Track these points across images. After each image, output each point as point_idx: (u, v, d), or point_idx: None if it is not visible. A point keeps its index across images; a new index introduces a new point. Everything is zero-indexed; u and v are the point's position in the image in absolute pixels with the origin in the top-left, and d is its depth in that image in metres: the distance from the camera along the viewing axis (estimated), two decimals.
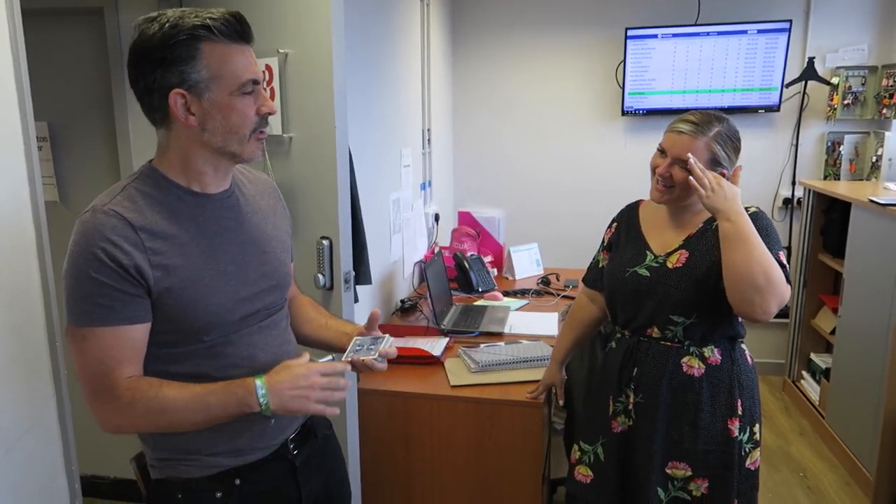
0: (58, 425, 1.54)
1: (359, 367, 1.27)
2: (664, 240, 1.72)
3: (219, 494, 1.22)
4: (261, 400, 1.10)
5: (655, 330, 1.68)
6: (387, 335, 1.32)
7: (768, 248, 1.55)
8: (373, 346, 1.28)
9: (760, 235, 1.55)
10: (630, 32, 3.86)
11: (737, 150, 1.66)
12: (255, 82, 1.15)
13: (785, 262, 1.57)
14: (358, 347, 1.29)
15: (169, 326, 1.15)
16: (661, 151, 1.67)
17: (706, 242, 1.64)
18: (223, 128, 1.13)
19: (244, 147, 1.16)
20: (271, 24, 1.89)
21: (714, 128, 1.61)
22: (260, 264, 1.26)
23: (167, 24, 1.07)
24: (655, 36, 3.85)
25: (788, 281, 1.54)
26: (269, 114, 1.18)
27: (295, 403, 1.12)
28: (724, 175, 1.64)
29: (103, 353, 1.09)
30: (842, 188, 3.35)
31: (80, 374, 1.11)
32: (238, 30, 1.12)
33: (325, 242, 1.90)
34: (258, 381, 1.11)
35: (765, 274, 1.49)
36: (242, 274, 1.22)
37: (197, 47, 1.08)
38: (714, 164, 1.62)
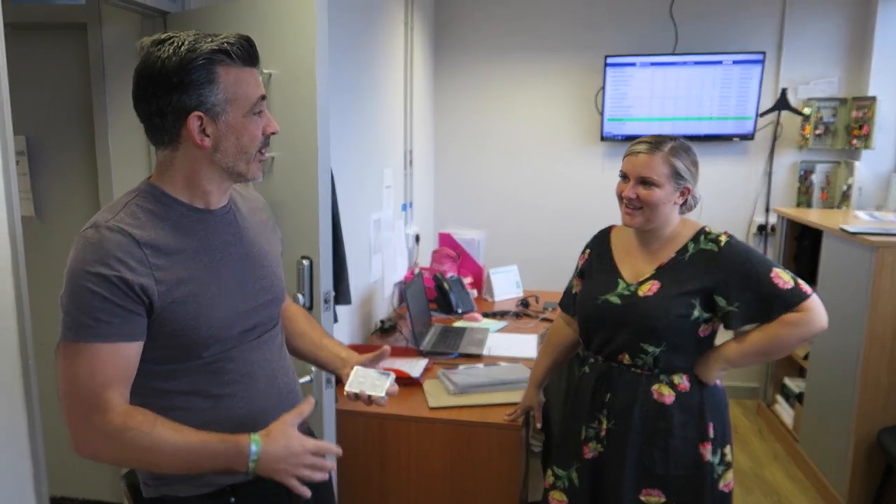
0: (28, 445, 1.51)
1: (362, 400, 1.34)
2: (636, 268, 1.73)
3: None
4: (250, 465, 1.11)
5: (626, 357, 1.69)
6: (391, 373, 1.38)
7: (757, 273, 1.57)
8: (378, 383, 1.35)
9: (745, 266, 1.58)
10: (609, 60, 3.94)
11: (695, 163, 1.68)
12: (263, 98, 1.18)
13: (784, 279, 1.57)
14: (362, 380, 1.35)
15: (169, 342, 1.14)
16: (624, 177, 1.70)
17: (678, 274, 1.66)
18: (235, 148, 1.15)
19: (249, 167, 1.19)
20: (257, 43, 1.90)
21: (668, 144, 1.65)
22: (258, 279, 1.27)
23: (183, 48, 1.08)
24: (634, 64, 3.93)
25: (803, 291, 1.58)
26: (273, 133, 1.21)
27: (278, 475, 1.13)
28: (688, 190, 1.68)
29: (96, 369, 1.07)
30: (814, 216, 3.43)
31: (66, 391, 1.08)
32: (251, 53, 1.15)
33: (306, 262, 1.90)
34: (253, 447, 1.11)
35: (797, 342, 1.61)
36: (242, 288, 1.23)
37: (214, 71, 1.10)
38: (677, 177, 1.64)
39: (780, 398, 3.77)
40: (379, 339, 2.90)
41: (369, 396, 1.33)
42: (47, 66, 2.49)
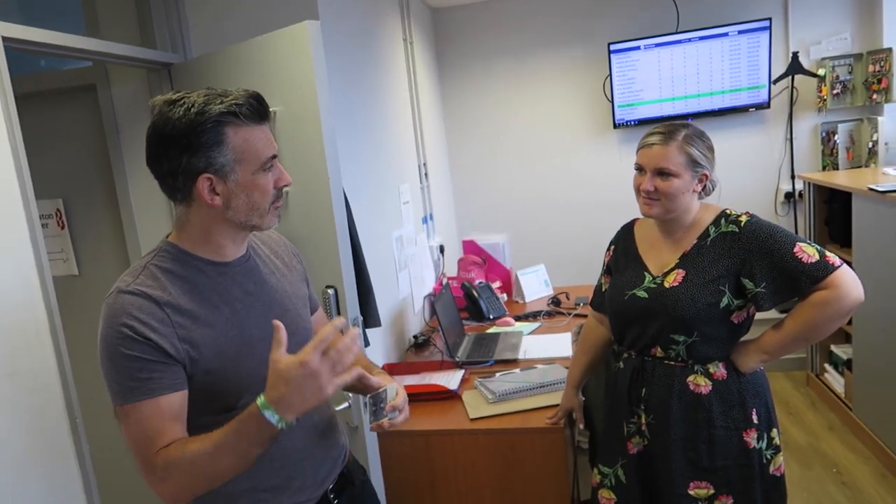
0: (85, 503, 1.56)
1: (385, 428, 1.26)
2: (661, 259, 1.72)
3: None
4: (275, 423, 1.04)
5: (659, 349, 1.68)
6: (389, 385, 1.29)
7: (780, 250, 1.54)
8: (383, 405, 1.24)
9: (766, 243, 1.56)
10: (613, 47, 3.91)
11: (710, 148, 1.67)
12: (274, 157, 1.19)
13: (809, 253, 1.53)
14: (373, 408, 1.26)
15: (202, 396, 1.17)
16: (640, 169, 1.69)
17: (702, 260, 1.64)
18: (246, 205, 1.17)
19: (264, 219, 1.21)
20: (258, 83, 1.93)
21: (680, 132, 1.64)
22: (283, 324, 1.28)
23: (193, 111, 1.10)
24: (638, 48, 3.90)
25: (830, 264, 1.52)
26: (286, 186, 1.22)
27: (310, 402, 1.05)
28: (706, 176, 1.66)
29: (146, 425, 1.10)
30: (841, 178, 3.35)
31: (132, 451, 1.12)
32: (259, 111, 1.17)
33: (331, 291, 1.92)
34: (266, 412, 1.03)
35: (833, 321, 1.55)
36: (267, 336, 1.23)
37: (223, 132, 1.12)
38: (693, 164, 1.63)
39: (828, 367, 3.68)
40: (414, 355, 2.92)
41: (380, 424, 1.24)
42: (69, 129, 2.54)
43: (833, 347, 3.60)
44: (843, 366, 3.45)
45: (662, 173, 1.63)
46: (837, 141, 3.81)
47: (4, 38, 1.54)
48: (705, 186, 1.68)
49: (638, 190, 1.69)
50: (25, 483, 1.40)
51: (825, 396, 3.66)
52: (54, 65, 2.70)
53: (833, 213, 3.53)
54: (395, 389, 1.29)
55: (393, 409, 1.25)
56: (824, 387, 3.66)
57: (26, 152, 1.53)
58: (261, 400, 1.05)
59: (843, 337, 3.58)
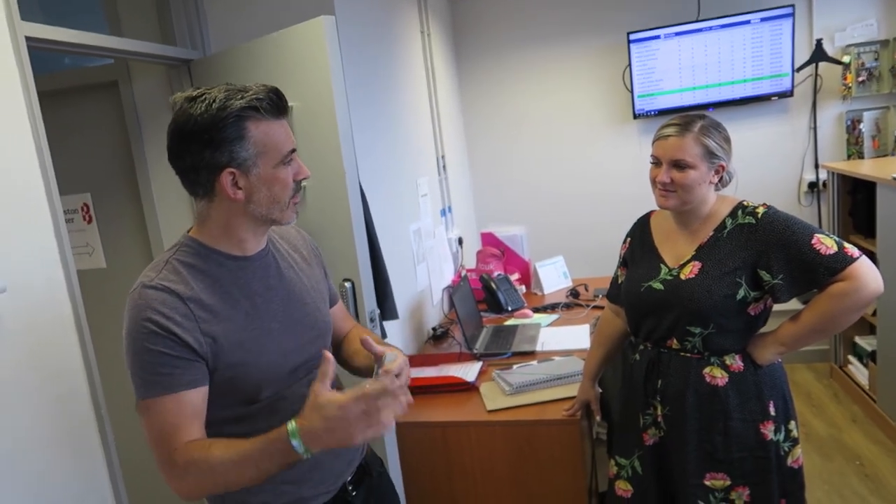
0: (111, 493, 1.60)
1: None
2: (677, 251, 1.71)
3: None
4: (300, 452, 1.05)
5: (675, 341, 1.68)
6: (387, 353, 1.20)
7: (797, 242, 1.52)
8: (379, 370, 1.15)
9: (783, 234, 1.55)
10: (632, 36, 3.87)
11: (727, 139, 1.66)
12: (293, 150, 1.21)
13: (827, 244, 1.51)
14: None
15: (225, 389, 1.18)
16: (655, 161, 1.68)
17: (718, 251, 1.63)
18: (267, 198, 1.18)
19: (284, 213, 1.22)
20: (275, 79, 1.95)
21: (697, 123, 1.63)
22: (302, 317, 1.31)
23: (215, 106, 1.12)
24: (658, 37, 3.86)
25: (849, 255, 1.50)
26: (305, 178, 1.24)
27: (336, 444, 1.06)
28: (723, 167, 1.65)
29: (165, 420, 1.12)
30: (865, 167, 3.30)
31: (150, 446, 1.14)
32: (279, 106, 1.18)
33: (348, 285, 1.94)
34: (294, 441, 1.05)
35: (851, 313, 1.53)
36: (286, 329, 1.27)
37: (244, 126, 1.14)
38: (710, 156, 1.62)
39: (852, 358, 3.63)
40: (432, 346, 2.94)
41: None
42: (94, 125, 2.58)
43: (857, 339, 3.55)
44: (868, 357, 3.40)
45: (678, 165, 1.62)
46: (863, 129, 3.74)
47: (28, 38, 1.58)
48: (722, 178, 1.67)
49: (654, 182, 1.68)
50: (52, 473, 1.44)
51: (848, 388, 3.61)
52: (78, 62, 2.75)
53: (857, 203, 3.47)
54: (394, 356, 1.21)
55: (387, 373, 1.12)
56: (848, 378, 3.62)
57: (52, 148, 1.57)
58: (291, 426, 1.06)
59: (868, 328, 3.53)
